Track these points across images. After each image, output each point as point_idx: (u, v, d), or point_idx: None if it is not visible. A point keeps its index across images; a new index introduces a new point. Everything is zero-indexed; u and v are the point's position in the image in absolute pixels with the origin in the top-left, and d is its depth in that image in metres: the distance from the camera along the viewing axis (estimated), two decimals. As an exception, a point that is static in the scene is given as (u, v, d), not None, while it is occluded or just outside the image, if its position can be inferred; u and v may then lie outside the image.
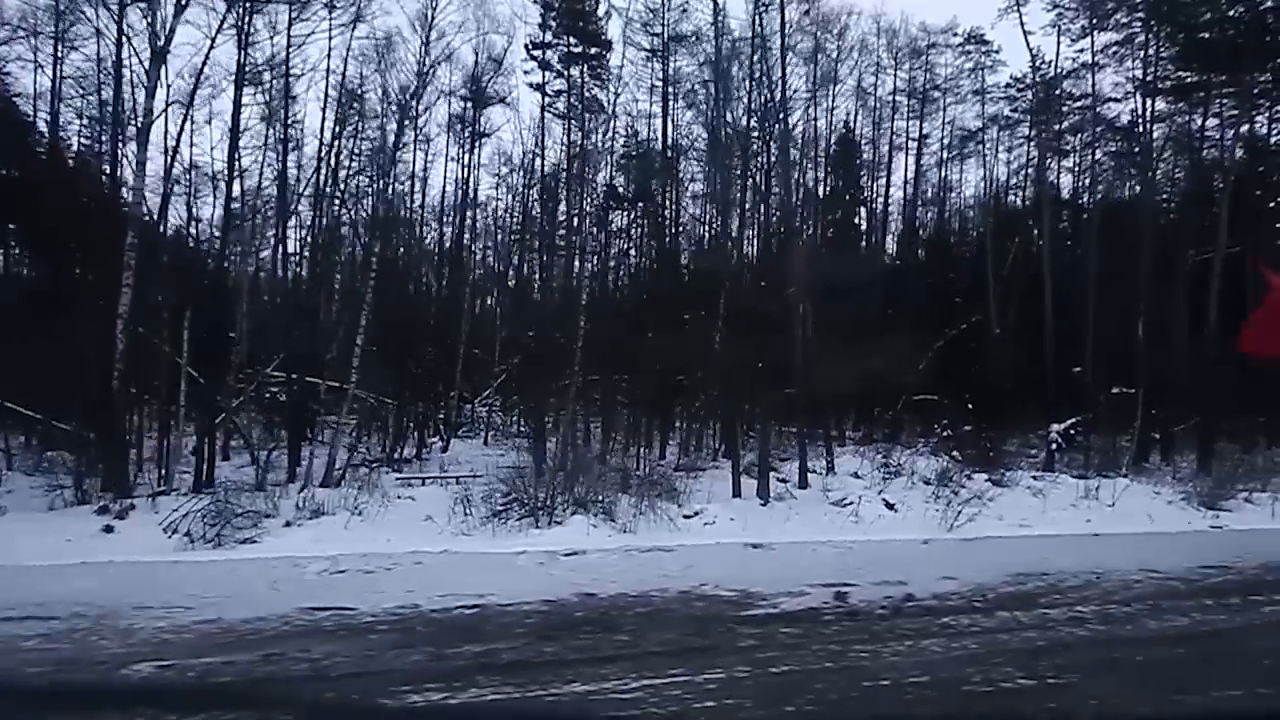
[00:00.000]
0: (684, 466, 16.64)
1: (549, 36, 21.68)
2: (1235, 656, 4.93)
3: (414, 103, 15.93)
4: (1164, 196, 24.39)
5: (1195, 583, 7.25)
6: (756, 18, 15.82)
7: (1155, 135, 21.85)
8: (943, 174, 28.73)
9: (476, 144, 23.05)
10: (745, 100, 16.71)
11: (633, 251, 23.91)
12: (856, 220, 28.46)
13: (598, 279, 22.68)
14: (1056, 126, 24.04)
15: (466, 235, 24.30)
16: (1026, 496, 13.95)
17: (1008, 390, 19.79)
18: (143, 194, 12.01)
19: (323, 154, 18.08)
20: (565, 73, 21.49)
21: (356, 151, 19.10)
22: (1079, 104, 23.55)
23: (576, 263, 18.20)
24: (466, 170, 23.13)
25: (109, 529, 10.06)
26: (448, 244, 24.16)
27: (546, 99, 21.64)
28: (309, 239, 20.62)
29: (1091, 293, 19.15)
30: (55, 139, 18.82)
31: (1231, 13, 19.89)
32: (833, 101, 24.92)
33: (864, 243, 27.53)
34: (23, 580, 6.68)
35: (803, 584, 6.69)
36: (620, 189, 22.88)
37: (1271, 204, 24.04)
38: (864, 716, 4.03)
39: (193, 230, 20.22)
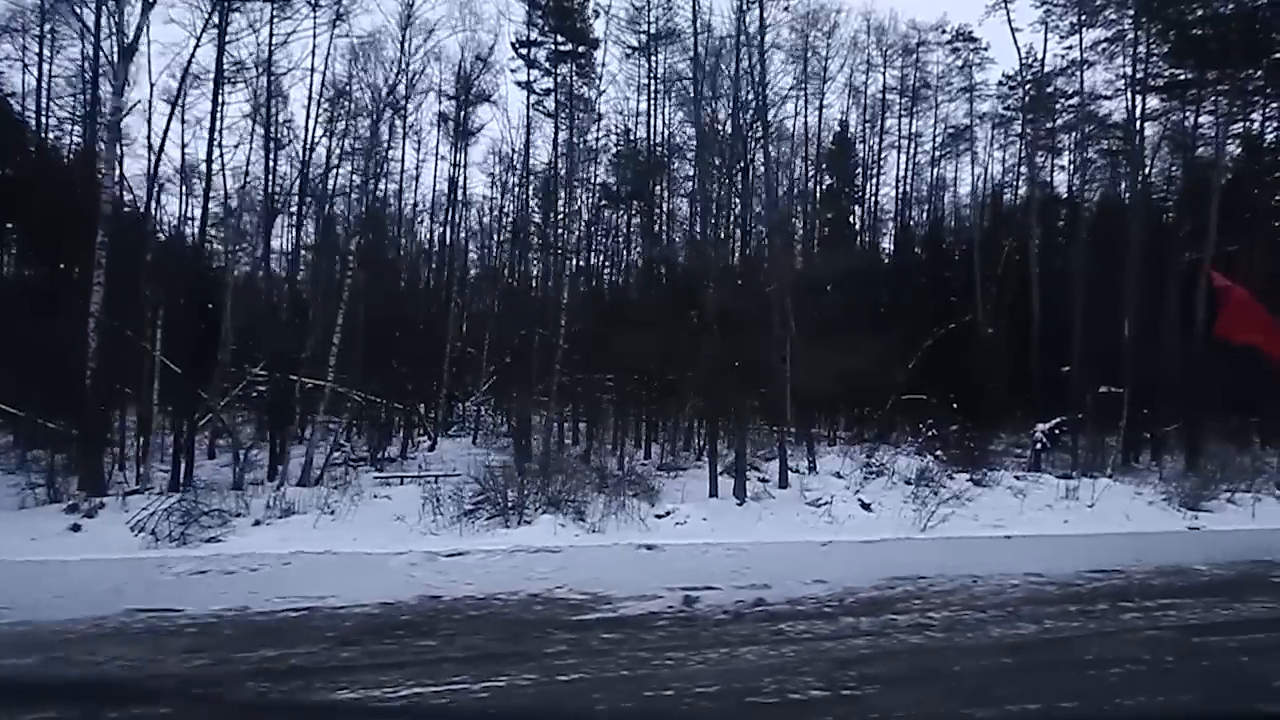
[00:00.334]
0: (667, 466, 16.63)
1: (535, 34, 21.68)
2: (1060, 667, 4.65)
3: (391, 97, 15.90)
4: (1160, 195, 24.23)
5: (1073, 588, 6.87)
6: (740, 15, 15.75)
7: (1148, 133, 21.72)
8: (935, 172, 28.61)
9: (464, 142, 23.08)
10: (729, 98, 16.62)
11: (623, 250, 23.94)
12: (851, 219, 28.44)
13: (585, 278, 22.70)
14: (1049, 125, 23.91)
15: (451, 233, 24.26)
16: (1007, 497, 13.86)
17: (996, 390, 19.71)
18: (113, 192, 12.02)
19: (308, 152, 18.08)
20: (553, 71, 21.46)
21: (343, 150, 19.10)
22: (1070, 102, 23.42)
23: (558, 262, 18.14)
24: (454, 168, 23.17)
25: (76, 528, 10.08)
26: (436, 242, 24.22)
27: (534, 97, 21.63)
28: (296, 236, 20.65)
29: (1080, 292, 19.01)
30: (41, 138, 18.88)
31: (1223, 9, 19.72)
32: (823, 99, 24.85)
33: (858, 241, 27.43)
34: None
35: (664, 587, 6.40)
36: (611, 188, 22.89)
37: (1273, 202, 23.95)
38: None
39: (183, 230, 20.40)
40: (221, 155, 15.70)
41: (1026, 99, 23.79)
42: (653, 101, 21.35)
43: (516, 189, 23.87)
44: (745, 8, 15.81)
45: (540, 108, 21.59)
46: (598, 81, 20.11)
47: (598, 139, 21.44)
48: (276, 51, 16.13)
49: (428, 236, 25.73)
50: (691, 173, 19.32)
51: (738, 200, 17.33)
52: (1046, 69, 23.12)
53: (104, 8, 12.25)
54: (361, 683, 4.36)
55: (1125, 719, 3.97)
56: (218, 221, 17.77)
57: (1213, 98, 21.15)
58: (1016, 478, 15.18)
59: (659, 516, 11.62)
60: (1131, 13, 20.36)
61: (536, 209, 22.40)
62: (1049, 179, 25.55)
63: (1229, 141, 21.85)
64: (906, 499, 13.19)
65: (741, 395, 15.15)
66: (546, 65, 21.66)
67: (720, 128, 17.02)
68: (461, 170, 23.43)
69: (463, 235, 25.67)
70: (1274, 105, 22.14)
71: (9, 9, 17.87)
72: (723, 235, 18.15)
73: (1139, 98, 20.81)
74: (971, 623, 5.63)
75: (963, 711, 3.94)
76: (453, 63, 21.79)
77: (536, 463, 14.42)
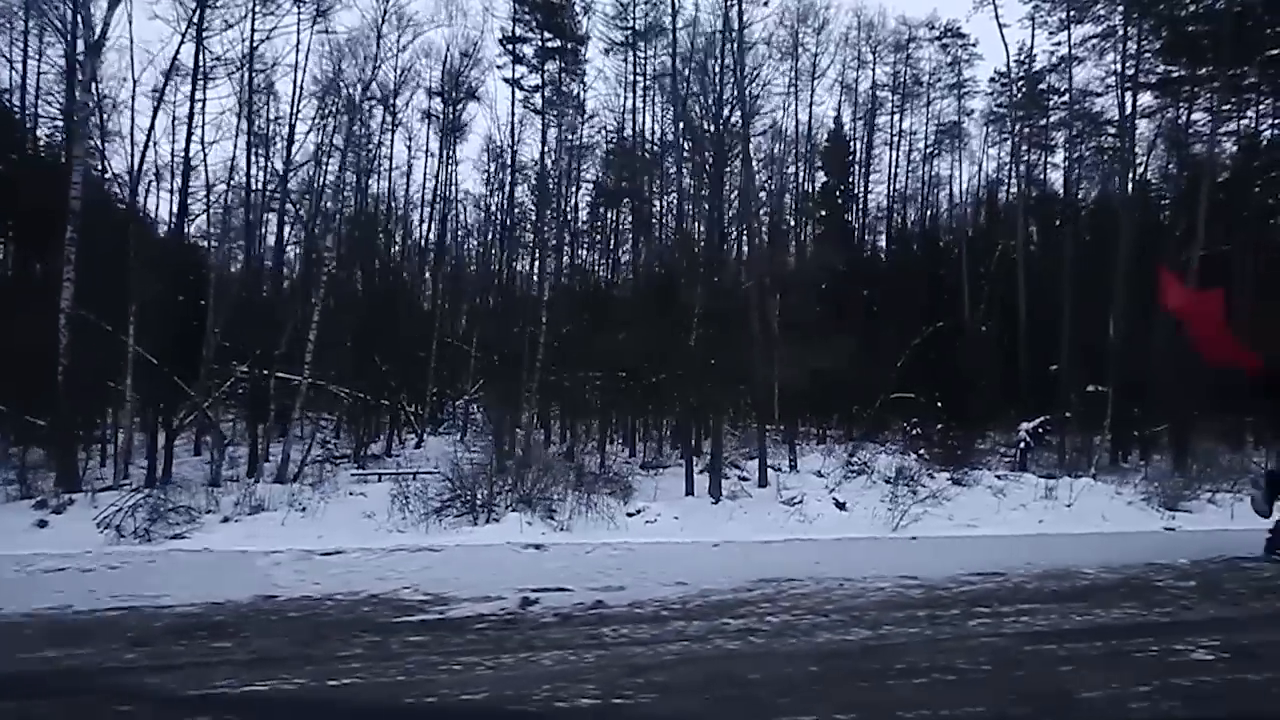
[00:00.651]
0: (649, 465, 16.58)
1: (522, 30, 21.65)
2: (864, 676, 4.25)
3: (376, 92, 15.86)
4: (1156, 193, 24.05)
5: (939, 591, 6.36)
6: (719, 13, 15.69)
7: (1141, 130, 21.57)
8: (928, 169, 28.47)
9: (453, 139, 23.08)
10: (712, 95, 16.55)
11: (615, 248, 23.87)
12: (847, 216, 28.29)
13: (577, 276, 22.66)
14: (1041, 122, 23.75)
15: (436, 230, 24.28)
16: (986, 496, 13.73)
17: (985, 388, 19.58)
18: (81, 188, 12.02)
19: (294, 148, 18.08)
20: (540, 68, 21.43)
21: (329, 145, 19.09)
22: (1061, 99, 23.25)
23: (539, 259, 18.12)
24: (443, 165, 23.17)
25: (43, 524, 10.10)
26: (426, 239, 24.21)
27: (522, 94, 21.60)
28: (279, 232, 20.65)
29: (1068, 290, 18.88)
30: (28, 134, 18.93)
31: (1215, 5, 19.52)
32: (813, 96, 24.75)
33: (854, 239, 27.31)
34: None
35: (514, 588, 6.09)
36: (604, 184, 22.84)
37: (1270, 200, 23.71)
38: None
39: (168, 225, 20.37)
40: (204, 151, 15.75)
41: (1018, 95, 23.64)
42: (642, 99, 21.32)
43: (505, 186, 23.86)
44: (725, 5, 15.75)
45: (528, 104, 21.59)
46: (585, 78, 20.11)
47: (590, 136, 21.43)
48: (260, 47, 16.18)
49: (419, 233, 25.80)
50: (675, 170, 19.26)
51: (722, 197, 17.25)
52: (1036, 66, 23.00)
53: (76, 5, 12.27)
54: (120, 686, 4.08)
55: None
56: (200, 217, 17.78)
57: (1206, 95, 20.99)
58: (998, 477, 15.04)
59: (630, 515, 11.56)
60: (1121, 9, 20.20)
61: (531, 205, 22.40)
62: (1043, 176, 25.44)
63: (1223, 139, 21.69)
64: (884, 498, 13.07)
65: (721, 394, 15.08)
66: (534, 62, 21.66)
67: (704, 124, 16.96)
68: (450, 167, 23.49)
69: (452, 232, 25.72)
70: (1268, 102, 21.92)
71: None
72: (707, 232, 18.08)
73: (1130, 95, 20.69)
74: (804, 628, 5.25)
75: None
76: (440, 59, 21.81)
77: (504, 460, 14.37)
